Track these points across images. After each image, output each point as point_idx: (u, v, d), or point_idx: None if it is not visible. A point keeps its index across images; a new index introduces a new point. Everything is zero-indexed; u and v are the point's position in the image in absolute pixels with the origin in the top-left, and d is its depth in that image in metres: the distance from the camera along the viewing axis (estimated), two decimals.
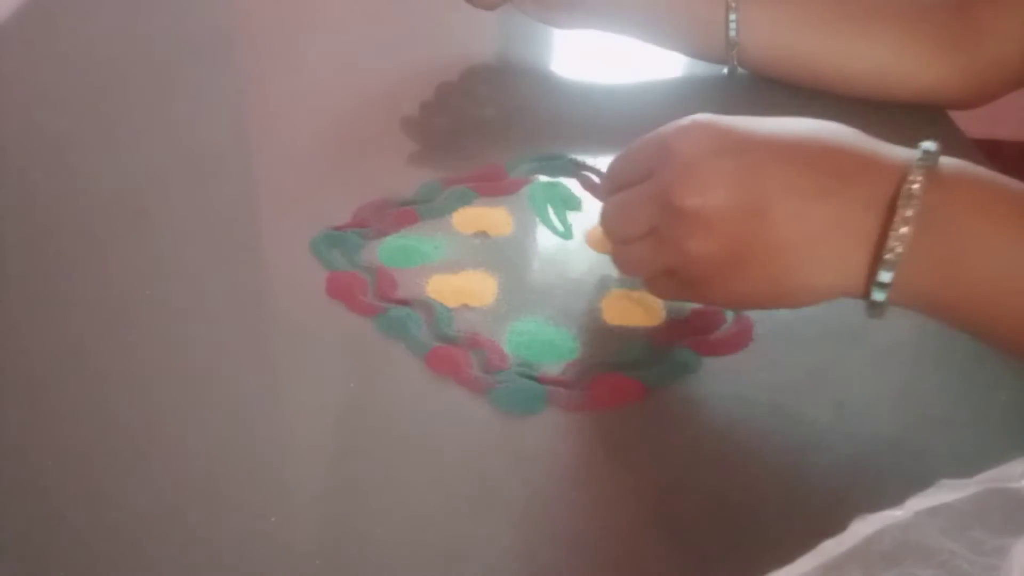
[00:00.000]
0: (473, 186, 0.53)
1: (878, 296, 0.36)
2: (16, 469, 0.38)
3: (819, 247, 0.36)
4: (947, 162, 0.36)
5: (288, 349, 0.44)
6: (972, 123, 0.61)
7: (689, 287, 0.40)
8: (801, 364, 0.43)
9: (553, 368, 0.43)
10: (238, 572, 0.34)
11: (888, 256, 0.35)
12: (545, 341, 0.44)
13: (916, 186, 0.35)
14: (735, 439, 0.40)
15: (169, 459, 0.38)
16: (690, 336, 0.44)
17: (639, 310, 0.45)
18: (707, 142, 0.38)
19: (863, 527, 0.27)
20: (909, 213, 0.35)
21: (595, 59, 0.69)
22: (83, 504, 0.37)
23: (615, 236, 0.41)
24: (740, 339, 0.44)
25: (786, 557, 0.27)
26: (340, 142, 0.58)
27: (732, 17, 0.60)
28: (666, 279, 0.40)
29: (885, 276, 0.35)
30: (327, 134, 0.59)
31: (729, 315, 0.45)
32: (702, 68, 0.65)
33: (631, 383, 0.42)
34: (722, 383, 0.42)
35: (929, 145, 0.36)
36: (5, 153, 0.58)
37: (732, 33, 0.61)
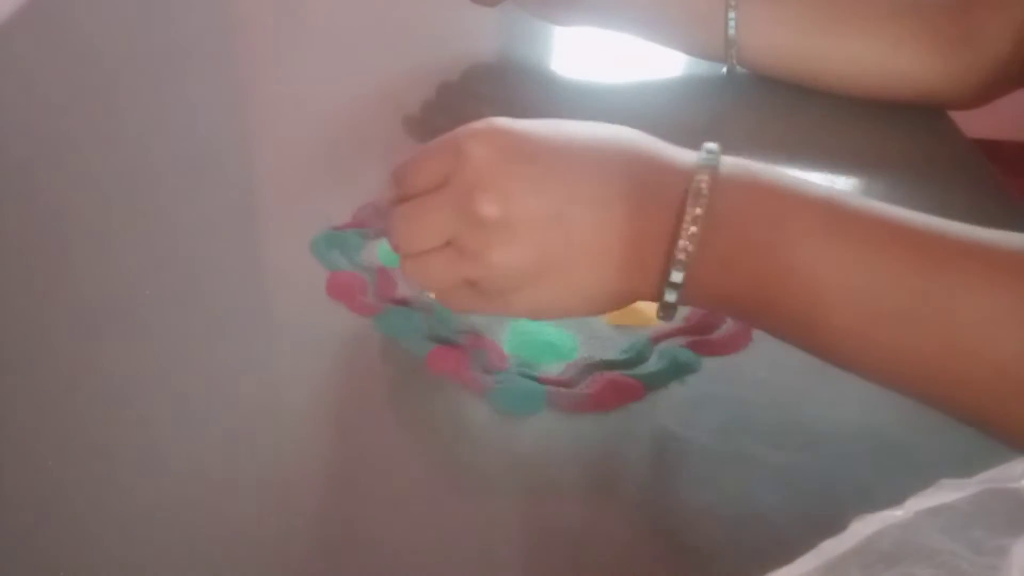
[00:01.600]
0: None
1: (669, 296, 0.36)
2: (14, 469, 0.38)
3: (615, 251, 0.36)
4: (729, 161, 0.36)
5: (288, 349, 0.44)
6: (972, 123, 0.62)
7: (489, 298, 0.39)
8: (801, 364, 0.43)
9: (553, 368, 0.43)
10: (238, 572, 0.34)
11: (680, 256, 0.35)
12: (545, 341, 0.44)
13: (703, 185, 0.35)
14: (735, 439, 0.40)
15: (168, 459, 0.38)
16: (690, 336, 0.44)
17: (639, 310, 0.45)
18: (505, 148, 0.37)
19: (863, 527, 0.27)
20: (698, 212, 0.35)
21: (595, 58, 0.69)
22: (82, 504, 0.37)
23: (406, 248, 0.39)
24: (740, 339, 0.44)
25: (786, 557, 0.27)
26: (340, 142, 0.59)
27: (731, 16, 0.60)
28: (463, 290, 0.39)
29: (677, 276, 0.36)
30: (327, 134, 0.59)
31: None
32: (702, 67, 0.65)
33: (631, 383, 0.42)
34: (722, 383, 0.42)
35: (711, 145, 0.37)
36: (5, 153, 0.58)
37: (731, 32, 0.61)
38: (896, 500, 0.28)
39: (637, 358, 0.43)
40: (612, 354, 0.43)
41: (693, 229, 0.35)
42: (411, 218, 0.39)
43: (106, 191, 0.54)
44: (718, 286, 0.36)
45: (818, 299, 0.34)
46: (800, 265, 0.34)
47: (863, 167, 0.57)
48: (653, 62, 0.66)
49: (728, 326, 0.45)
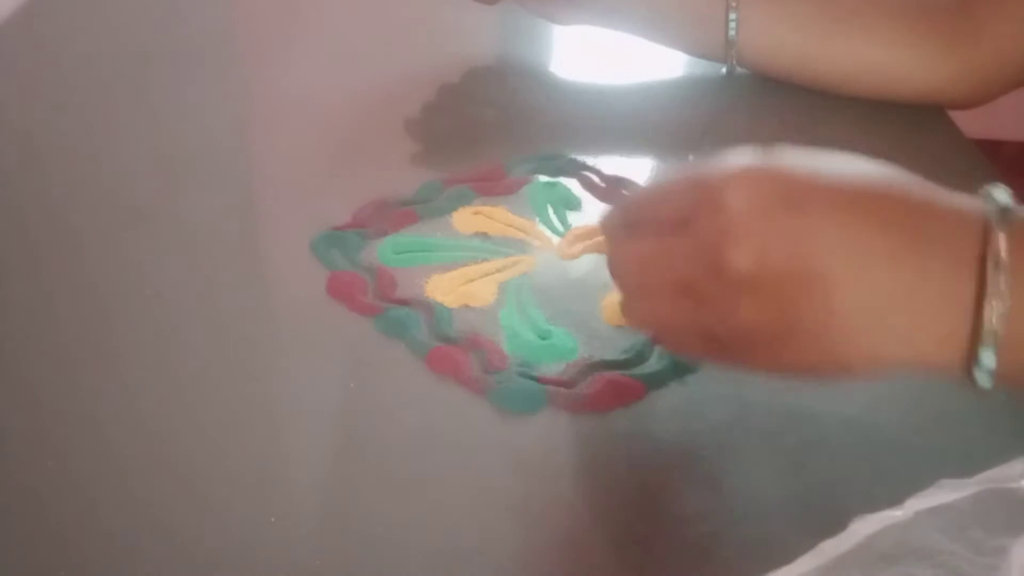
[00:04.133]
0: (473, 186, 0.53)
1: (982, 380, 0.32)
2: (15, 471, 0.38)
3: (889, 316, 0.32)
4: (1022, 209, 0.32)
5: (288, 349, 0.44)
6: (972, 123, 0.62)
7: (726, 352, 0.35)
8: None
9: (553, 368, 0.43)
10: (238, 572, 0.34)
11: (991, 324, 0.31)
12: (545, 341, 0.44)
13: (1003, 249, 0.31)
14: (735, 439, 0.40)
15: (168, 459, 0.38)
16: None
17: None
18: (763, 194, 0.33)
19: (863, 527, 0.27)
20: (1002, 282, 0.31)
21: (595, 59, 0.69)
22: (81, 504, 0.37)
23: (631, 288, 0.36)
24: None
25: (786, 557, 0.27)
26: (340, 142, 0.58)
27: (732, 16, 0.60)
28: (695, 338, 0.35)
29: (988, 357, 0.31)
30: (327, 134, 0.59)
31: None
32: (702, 67, 0.65)
33: (631, 383, 0.42)
34: (722, 383, 0.42)
35: (1001, 195, 0.32)
36: (4, 153, 0.58)
37: (732, 32, 0.61)
38: (896, 500, 0.28)
39: (637, 358, 0.43)
40: (612, 354, 0.43)
41: (1002, 284, 0.30)
42: (646, 257, 0.35)
43: (106, 191, 0.54)
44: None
45: None
46: None
47: None
48: (653, 62, 0.66)
49: None
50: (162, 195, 0.53)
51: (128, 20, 0.73)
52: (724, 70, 0.63)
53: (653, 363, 0.43)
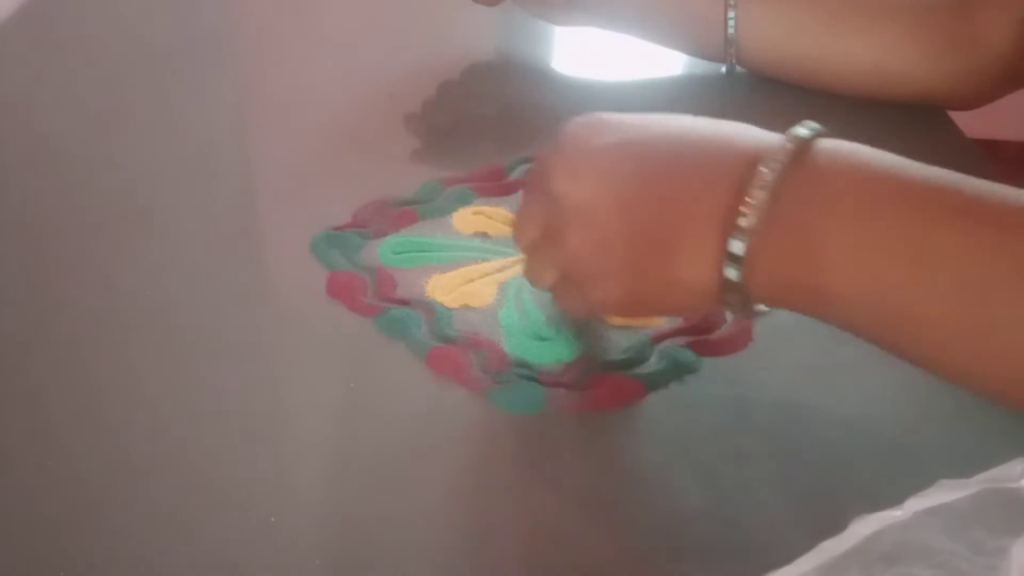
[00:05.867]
0: (473, 186, 0.53)
1: (730, 273, 0.34)
2: (14, 471, 0.38)
3: (675, 234, 0.35)
4: (827, 143, 0.35)
5: (288, 349, 0.44)
6: (972, 123, 0.61)
7: (581, 291, 0.38)
8: (801, 364, 0.43)
9: (553, 368, 0.43)
10: (238, 572, 0.34)
11: (742, 223, 0.33)
12: (545, 341, 0.44)
13: (780, 155, 0.33)
14: (735, 439, 0.40)
15: (168, 459, 0.38)
16: (690, 336, 0.44)
17: None
18: (590, 133, 0.37)
19: (863, 527, 0.27)
20: (768, 178, 0.33)
21: (596, 58, 0.69)
22: (81, 504, 0.37)
23: (518, 242, 0.40)
24: (740, 339, 0.44)
25: (786, 557, 0.27)
26: (340, 142, 0.59)
27: (731, 15, 0.60)
28: (565, 286, 0.39)
29: (735, 246, 0.33)
30: (327, 134, 0.59)
31: (729, 315, 0.45)
32: (701, 67, 0.65)
33: (631, 383, 0.42)
34: (722, 383, 0.42)
35: (811, 124, 0.35)
36: (5, 153, 0.58)
37: (731, 31, 0.61)
38: (896, 500, 0.28)
39: (637, 358, 0.43)
40: (612, 354, 0.43)
41: (760, 195, 0.33)
42: (518, 213, 0.41)
43: (106, 191, 0.54)
44: (785, 274, 0.34)
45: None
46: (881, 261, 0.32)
47: None
48: (653, 62, 0.66)
49: (728, 326, 0.45)
50: (162, 194, 0.53)
51: (128, 20, 0.73)
52: (724, 70, 0.63)
53: (653, 363, 0.43)
